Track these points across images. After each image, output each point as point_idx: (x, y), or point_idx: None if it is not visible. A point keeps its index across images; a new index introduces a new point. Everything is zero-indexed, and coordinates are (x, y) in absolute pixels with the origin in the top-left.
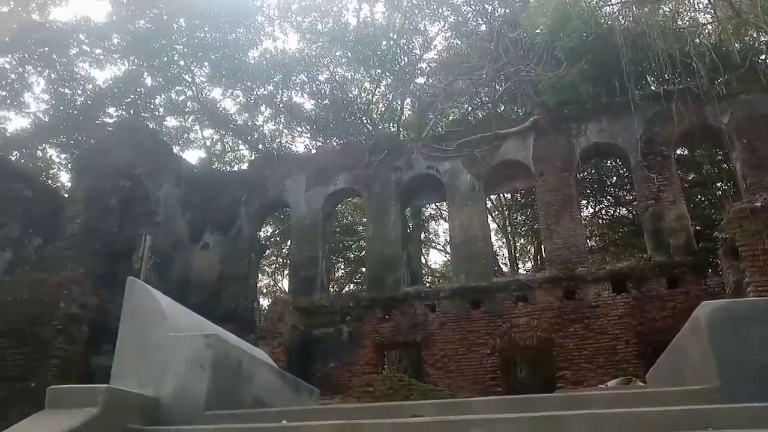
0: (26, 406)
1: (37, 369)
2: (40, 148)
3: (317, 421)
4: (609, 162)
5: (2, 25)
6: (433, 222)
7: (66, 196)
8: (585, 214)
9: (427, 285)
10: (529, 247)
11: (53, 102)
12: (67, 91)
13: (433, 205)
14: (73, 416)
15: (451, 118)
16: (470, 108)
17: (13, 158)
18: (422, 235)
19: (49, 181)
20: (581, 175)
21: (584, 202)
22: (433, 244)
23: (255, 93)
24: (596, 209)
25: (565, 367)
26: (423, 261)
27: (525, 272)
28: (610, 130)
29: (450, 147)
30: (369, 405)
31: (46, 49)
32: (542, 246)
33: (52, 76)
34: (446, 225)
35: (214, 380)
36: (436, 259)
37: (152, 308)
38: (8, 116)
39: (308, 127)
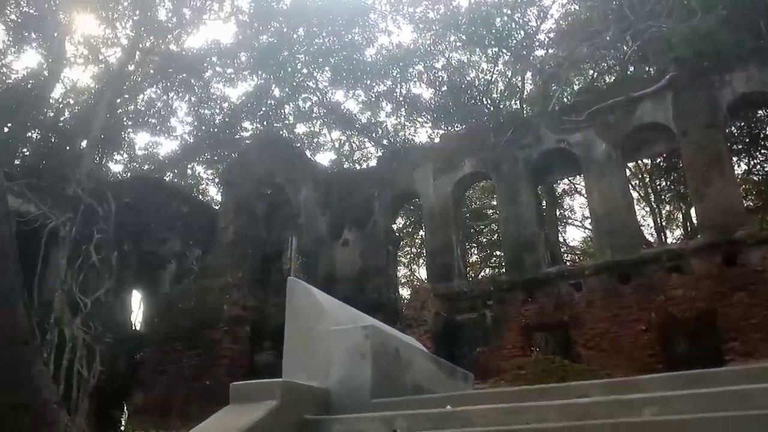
0: (203, 402)
1: (210, 368)
2: (189, 166)
3: (480, 405)
4: (761, 112)
5: (146, 58)
6: (567, 198)
7: (217, 208)
8: (738, 172)
9: (569, 263)
10: (676, 214)
11: (195, 123)
12: (206, 111)
13: (566, 180)
14: (256, 409)
15: (576, 87)
16: (596, 74)
17: (167, 178)
18: (558, 213)
19: (200, 196)
20: (729, 130)
21: (735, 159)
22: (570, 221)
23: (375, 90)
24: (750, 166)
25: (732, 338)
26: (561, 239)
27: (675, 241)
28: (760, 77)
29: (580, 117)
30: (530, 388)
31: (185, 75)
32: (692, 211)
33: (192, 99)
34: (583, 199)
35: (375, 369)
36: (574, 236)
37: (312, 305)
38: (159, 141)
39: (429, 117)
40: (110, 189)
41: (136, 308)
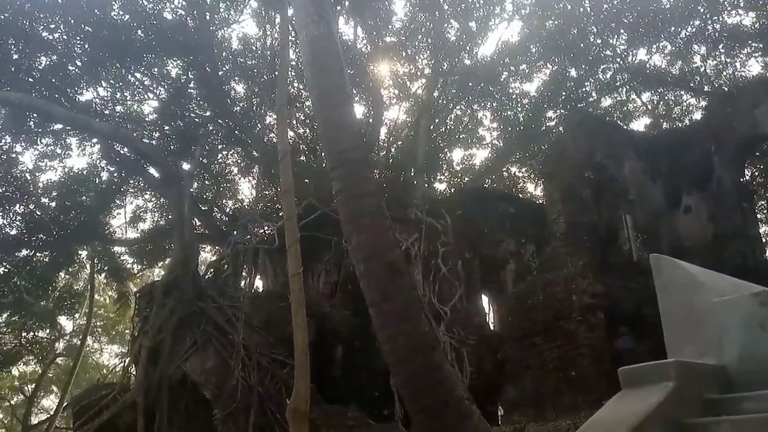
0: (573, 392)
1: (572, 359)
2: (503, 169)
3: None
4: None
5: (447, 80)
6: None
7: (541, 202)
8: None
9: None
10: None
11: (501, 126)
12: (509, 113)
13: None
14: (652, 393)
15: None
16: None
17: (486, 185)
18: None
19: (520, 195)
20: None
21: None
22: None
23: (681, 36)
24: None
25: None
26: None
27: None
28: None
29: None
30: None
31: (481, 85)
32: None
33: (494, 105)
34: None
35: None
36: None
37: (685, 278)
38: (473, 153)
39: (757, 45)
40: (442, 205)
41: (487, 310)
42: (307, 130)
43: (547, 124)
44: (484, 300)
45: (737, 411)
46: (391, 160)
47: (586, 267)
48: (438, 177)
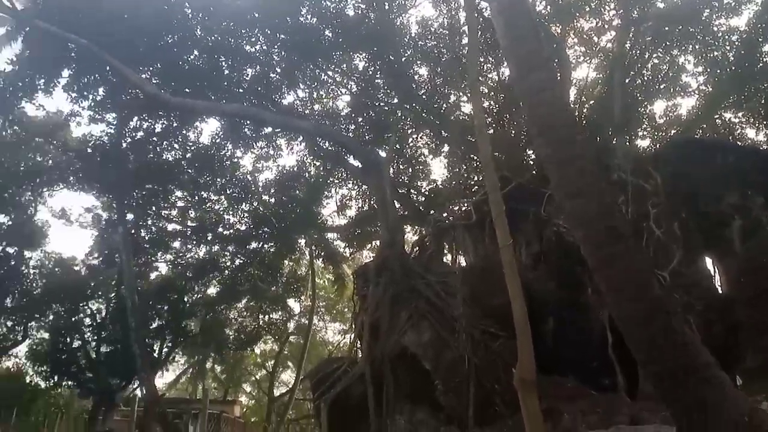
0: None
1: None
2: (716, 117)
3: None
4: None
5: (639, 28)
6: None
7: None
8: None
9: None
10: None
11: (707, 70)
12: (716, 54)
13: None
14: None
15: None
16: None
17: (697, 136)
18: None
19: (739, 142)
20: None
21: None
22: None
23: None
24: None
25: None
26: None
27: None
28: None
29: None
30: None
31: (679, 27)
32: None
33: (697, 47)
34: None
35: None
36: None
37: None
38: (678, 103)
39: None
40: (648, 163)
41: (712, 272)
42: (492, 103)
43: (764, 59)
44: (707, 262)
45: None
46: (584, 122)
47: None
48: (639, 134)
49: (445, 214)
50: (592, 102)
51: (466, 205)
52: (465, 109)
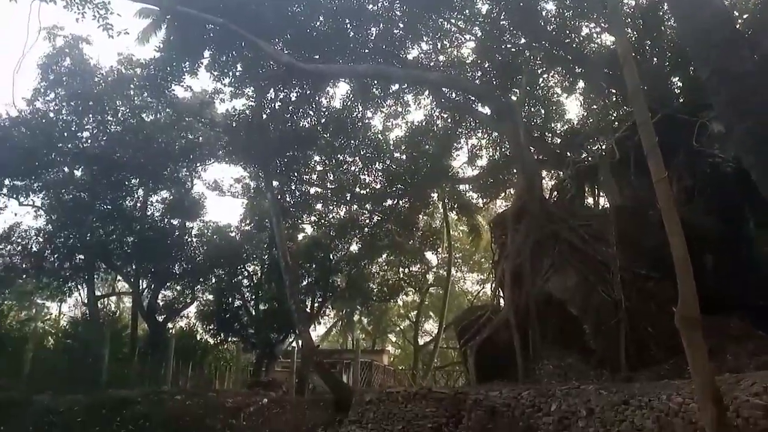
0: None
1: None
2: None
3: None
4: None
5: None
6: None
7: None
8: None
9: None
10: None
11: None
12: None
13: None
14: None
15: None
16: None
17: None
18: None
19: None
20: None
21: None
22: None
23: None
24: None
25: None
26: None
27: None
28: None
29: None
30: None
31: None
32: None
33: None
34: None
35: None
36: None
37: None
38: None
39: None
40: None
41: None
42: (629, 30)
43: None
44: None
45: None
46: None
47: None
48: None
49: (584, 155)
50: (746, 16)
51: (606, 143)
52: (599, 41)
